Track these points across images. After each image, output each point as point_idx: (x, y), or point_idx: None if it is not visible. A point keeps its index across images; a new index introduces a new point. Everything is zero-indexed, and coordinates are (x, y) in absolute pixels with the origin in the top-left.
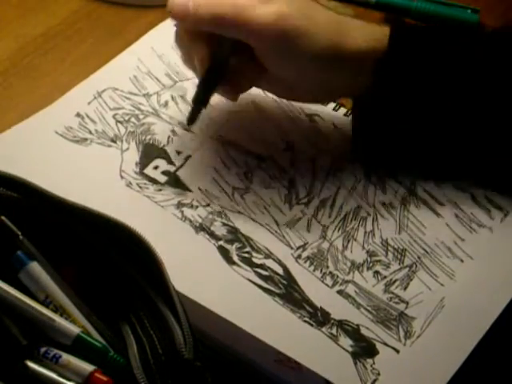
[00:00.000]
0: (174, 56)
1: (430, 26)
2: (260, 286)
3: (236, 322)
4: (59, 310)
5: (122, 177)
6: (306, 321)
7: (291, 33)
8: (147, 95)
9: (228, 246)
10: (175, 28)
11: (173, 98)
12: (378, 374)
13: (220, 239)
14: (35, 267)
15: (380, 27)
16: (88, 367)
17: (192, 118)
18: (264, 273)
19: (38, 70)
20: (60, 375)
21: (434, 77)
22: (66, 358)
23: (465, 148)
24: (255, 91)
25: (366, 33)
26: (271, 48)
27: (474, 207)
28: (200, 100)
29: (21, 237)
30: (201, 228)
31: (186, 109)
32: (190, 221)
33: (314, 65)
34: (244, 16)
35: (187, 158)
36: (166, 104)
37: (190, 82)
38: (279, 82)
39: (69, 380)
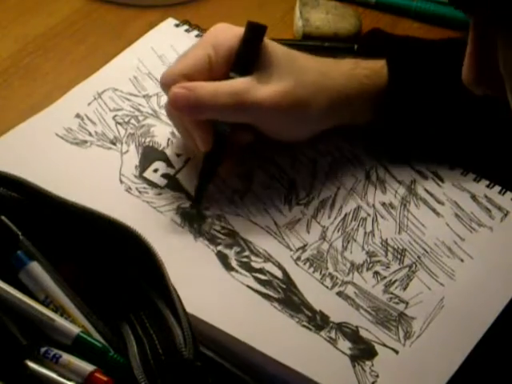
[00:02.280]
0: (174, 56)
1: (423, 50)
2: (259, 292)
3: (234, 334)
4: (59, 309)
5: (121, 181)
6: (304, 325)
7: (291, 107)
8: (147, 96)
9: (227, 251)
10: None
11: None
12: (377, 376)
13: (219, 244)
14: (35, 267)
15: (367, 63)
16: (88, 367)
17: (200, 195)
18: (263, 277)
19: (38, 70)
20: (60, 375)
21: (433, 98)
22: (66, 357)
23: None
24: None
25: (353, 74)
26: (274, 122)
27: (474, 207)
28: (206, 176)
29: (21, 237)
30: (200, 233)
31: None
32: (189, 227)
33: (314, 122)
34: (245, 103)
35: (187, 160)
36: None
37: None
38: (280, 139)
39: (69, 380)
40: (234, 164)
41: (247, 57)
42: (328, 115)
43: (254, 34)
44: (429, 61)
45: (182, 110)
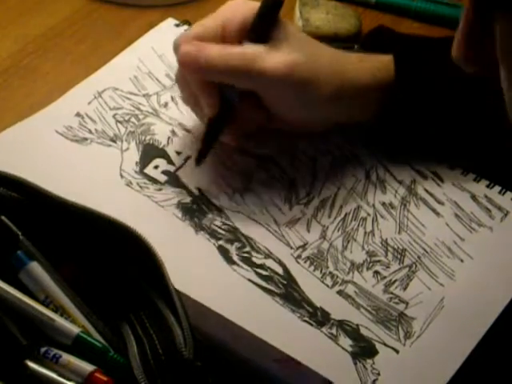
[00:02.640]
0: (174, 56)
1: (429, 47)
2: (260, 286)
3: (236, 321)
4: (59, 309)
5: (121, 176)
6: (305, 320)
7: (301, 82)
8: (147, 95)
9: (228, 246)
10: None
11: (173, 98)
12: (378, 374)
13: (220, 239)
14: (35, 267)
15: (376, 57)
16: (88, 367)
17: (200, 157)
18: (264, 273)
19: (38, 70)
20: (60, 375)
21: (440, 94)
22: (66, 357)
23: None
24: None
25: (365, 66)
26: (282, 96)
27: (473, 207)
28: (208, 141)
29: (21, 237)
30: (201, 228)
31: (185, 110)
32: (190, 220)
33: (322, 106)
34: (254, 67)
35: (187, 158)
36: (165, 105)
37: None
38: (287, 121)
39: (69, 380)
40: (238, 133)
41: (261, 27)
42: (338, 102)
43: (271, 6)
44: (435, 57)
45: (191, 68)
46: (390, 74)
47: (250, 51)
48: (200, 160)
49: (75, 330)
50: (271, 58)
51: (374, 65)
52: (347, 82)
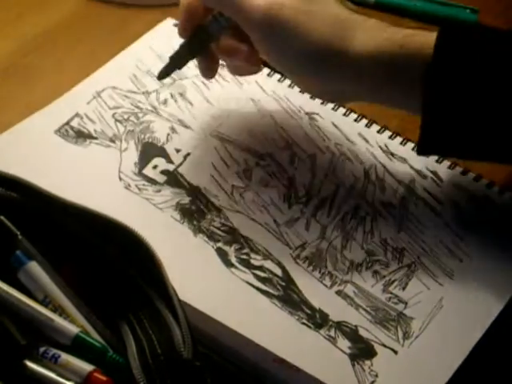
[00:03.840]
0: None
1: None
2: (258, 289)
3: (234, 327)
4: (58, 309)
5: (120, 178)
6: (304, 323)
7: (280, 25)
8: (146, 93)
9: (226, 248)
10: None
11: (172, 95)
12: (376, 376)
13: (218, 241)
14: (34, 267)
15: (394, 28)
16: (87, 367)
17: (164, 74)
18: (262, 275)
19: (38, 70)
20: (59, 375)
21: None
22: (65, 357)
23: None
24: (255, 89)
25: (377, 35)
26: (260, 35)
27: (473, 206)
28: (177, 61)
29: (20, 236)
30: (199, 230)
31: (185, 107)
32: (189, 223)
33: (304, 62)
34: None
35: (186, 155)
36: (165, 102)
37: (190, 81)
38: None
39: (68, 380)
40: (214, 63)
41: None
42: (319, 57)
43: None
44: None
45: None
46: (397, 47)
47: None
48: (161, 76)
49: (74, 329)
50: None
51: (382, 35)
52: (344, 47)
